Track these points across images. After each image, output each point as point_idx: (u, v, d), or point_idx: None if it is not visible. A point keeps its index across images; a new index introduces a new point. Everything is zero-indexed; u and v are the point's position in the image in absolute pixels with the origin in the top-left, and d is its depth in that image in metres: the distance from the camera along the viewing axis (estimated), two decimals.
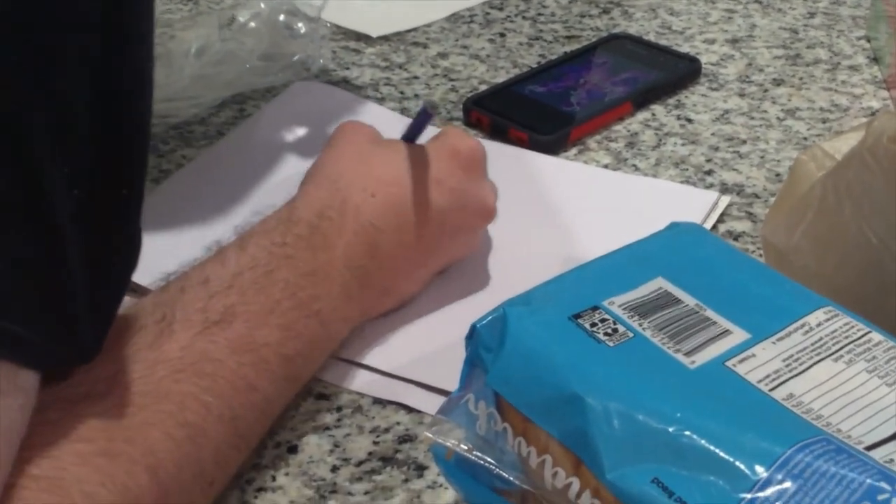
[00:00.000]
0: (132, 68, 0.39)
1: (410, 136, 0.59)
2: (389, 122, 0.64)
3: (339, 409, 0.54)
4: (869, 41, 0.87)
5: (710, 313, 0.43)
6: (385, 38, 0.87)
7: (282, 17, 0.79)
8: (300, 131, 0.75)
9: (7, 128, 0.35)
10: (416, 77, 0.82)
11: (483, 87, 0.80)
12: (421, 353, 0.56)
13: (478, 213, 0.59)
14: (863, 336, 0.42)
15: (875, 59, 0.85)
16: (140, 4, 0.39)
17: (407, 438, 0.53)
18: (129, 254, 0.41)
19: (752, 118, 0.78)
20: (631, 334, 0.42)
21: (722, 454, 0.37)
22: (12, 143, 0.35)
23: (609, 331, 0.42)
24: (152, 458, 0.42)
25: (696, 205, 0.67)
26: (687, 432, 0.38)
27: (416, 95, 0.80)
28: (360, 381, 0.56)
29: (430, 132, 0.60)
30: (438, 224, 0.57)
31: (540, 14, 0.92)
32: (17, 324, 0.36)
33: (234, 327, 0.48)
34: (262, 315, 0.50)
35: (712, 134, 0.76)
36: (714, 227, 0.67)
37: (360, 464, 0.52)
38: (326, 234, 0.54)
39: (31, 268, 0.36)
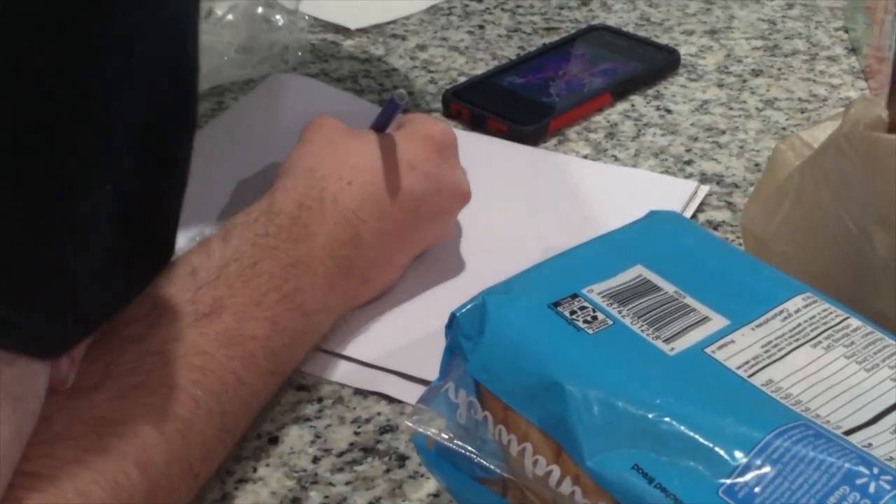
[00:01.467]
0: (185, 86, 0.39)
1: (380, 126, 0.59)
2: (368, 115, 0.64)
3: (319, 400, 0.54)
4: (847, 32, 0.88)
5: (689, 300, 0.43)
6: (364, 31, 0.87)
7: (260, 10, 0.79)
8: (279, 123, 0.75)
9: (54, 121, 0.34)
10: (395, 69, 0.82)
11: (462, 79, 0.80)
12: (401, 344, 0.56)
13: (453, 196, 0.59)
14: (841, 322, 0.42)
15: (853, 50, 0.85)
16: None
17: (388, 429, 0.53)
18: (156, 257, 0.41)
19: (731, 108, 0.78)
20: (610, 322, 0.42)
21: (701, 440, 0.37)
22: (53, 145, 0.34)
23: (588, 318, 0.42)
24: (143, 454, 0.42)
25: (675, 194, 0.67)
26: (666, 418, 0.38)
27: (395, 87, 0.80)
28: (341, 372, 0.55)
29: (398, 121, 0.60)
30: (415, 209, 0.57)
31: (519, 6, 0.92)
32: (23, 312, 0.36)
33: (222, 320, 0.48)
34: (250, 308, 0.50)
35: (691, 124, 0.76)
36: (694, 216, 0.67)
37: (341, 454, 0.51)
38: (307, 224, 0.54)
39: (50, 257, 0.36)
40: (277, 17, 0.79)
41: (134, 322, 0.46)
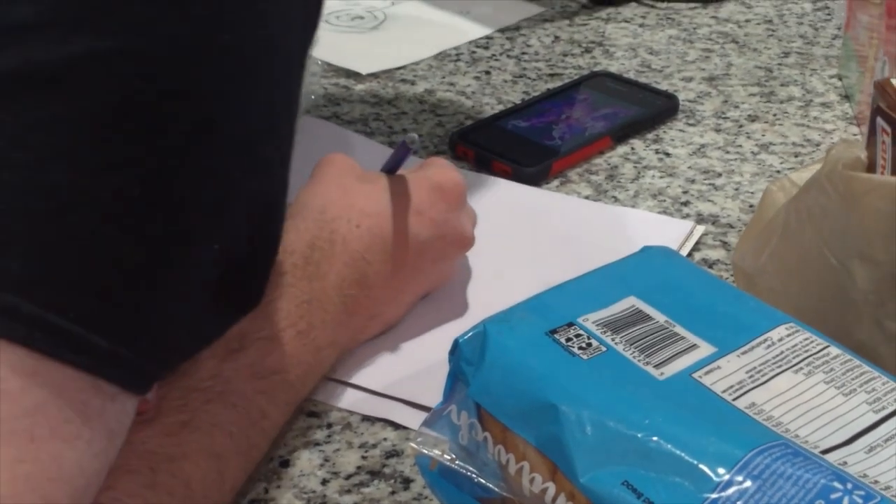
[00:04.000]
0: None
1: (390, 169, 0.62)
2: (378, 155, 0.67)
3: (329, 425, 0.57)
4: (840, 79, 0.91)
5: (678, 329, 0.46)
6: (374, 76, 0.90)
7: None
8: (294, 164, 0.78)
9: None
10: (404, 112, 0.85)
11: (469, 122, 0.83)
12: (406, 373, 0.59)
13: (456, 243, 0.62)
14: (821, 350, 0.45)
15: (846, 97, 0.88)
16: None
17: (394, 453, 0.55)
18: (242, 306, 0.44)
19: (728, 152, 0.81)
20: (604, 348, 0.45)
21: (687, 457, 0.39)
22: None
23: (583, 345, 0.45)
24: (186, 490, 0.45)
25: (672, 234, 0.70)
26: (655, 438, 0.40)
27: (405, 130, 0.83)
28: (349, 400, 0.58)
29: (414, 161, 0.63)
30: (419, 253, 0.59)
31: (524, 53, 0.95)
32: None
33: (249, 354, 0.51)
34: (271, 343, 0.52)
35: (689, 167, 0.79)
36: (690, 255, 0.69)
37: (349, 477, 0.54)
38: (319, 264, 0.56)
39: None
40: None
41: None
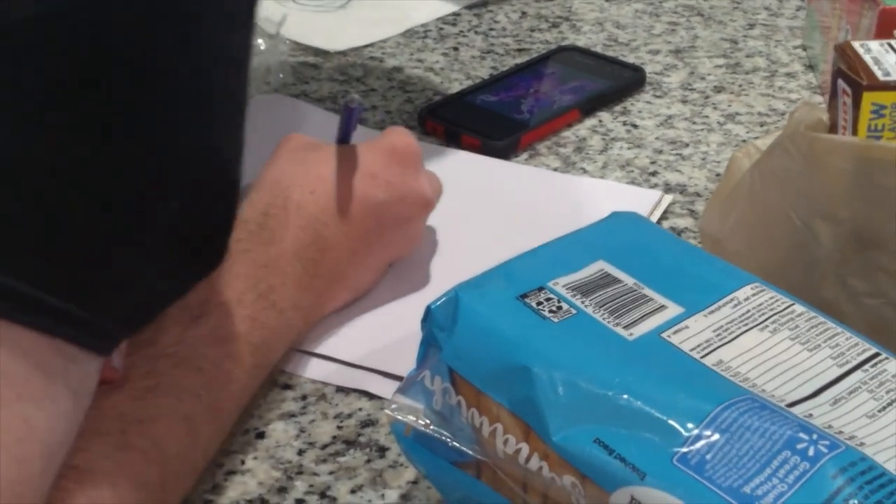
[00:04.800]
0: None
1: (343, 136, 0.63)
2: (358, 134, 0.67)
3: (303, 397, 0.57)
4: (805, 50, 0.92)
5: (647, 291, 0.46)
6: (342, 54, 0.90)
7: None
8: (262, 143, 0.77)
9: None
10: (373, 90, 0.86)
11: (437, 98, 0.84)
12: (380, 343, 0.59)
13: (416, 203, 0.62)
14: (786, 308, 0.45)
15: (810, 67, 0.89)
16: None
17: (368, 423, 0.56)
18: (205, 264, 0.45)
19: (694, 123, 0.82)
20: (574, 311, 0.45)
21: (657, 414, 0.40)
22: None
23: (554, 308, 0.45)
24: (158, 451, 0.46)
25: (640, 203, 0.71)
26: (625, 396, 0.41)
27: (374, 107, 0.83)
28: (323, 371, 0.58)
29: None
30: (378, 214, 0.60)
31: (492, 29, 0.95)
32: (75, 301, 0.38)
33: (210, 320, 0.52)
34: (231, 307, 0.53)
35: (656, 138, 0.80)
36: (658, 223, 0.70)
37: (324, 447, 0.54)
38: (274, 230, 0.57)
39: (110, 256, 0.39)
40: (259, 40, 0.82)
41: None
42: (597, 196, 0.72)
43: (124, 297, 0.40)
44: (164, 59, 0.38)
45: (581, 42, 0.92)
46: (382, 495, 0.52)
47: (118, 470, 0.44)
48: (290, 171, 0.60)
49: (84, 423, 0.43)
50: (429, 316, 0.47)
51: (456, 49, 0.92)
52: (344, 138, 0.63)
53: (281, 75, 0.83)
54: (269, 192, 0.59)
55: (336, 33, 0.92)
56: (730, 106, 0.84)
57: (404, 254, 0.64)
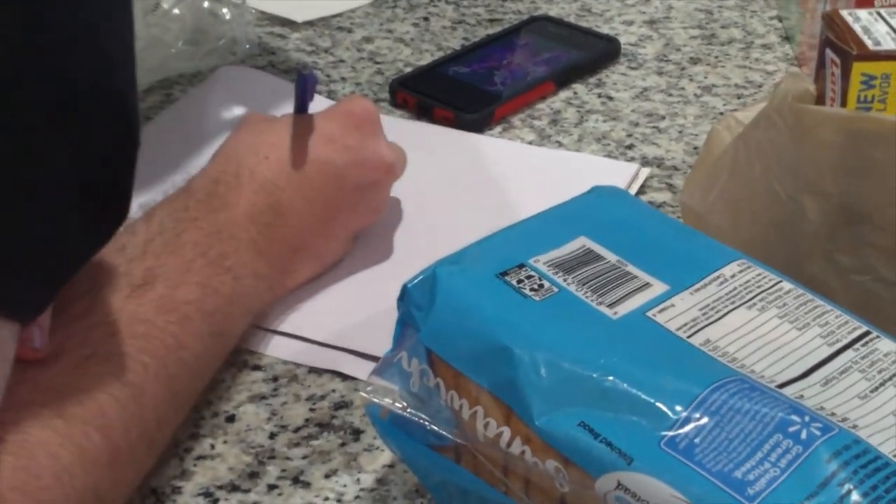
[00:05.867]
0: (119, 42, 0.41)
1: (300, 108, 0.61)
2: (314, 106, 0.65)
3: (275, 378, 0.56)
4: (781, 21, 0.90)
5: (630, 268, 0.45)
6: (310, 24, 0.88)
7: (206, 4, 0.80)
8: (227, 115, 0.76)
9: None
10: (342, 61, 0.84)
11: (408, 70, 0.82)
12: (353, 322, 0.57)
13: (376, 167, 0.60)
14: (774, 285, 0.44)
15: (787, 38, 0.88)
16: None
17: (342, 405, 0.54)
18: (111, 220, 0.43)
19: (671, 95, 0.80)
20: (556, 289, 0.44)
21: (643, 396, 0.39)
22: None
23: (535, 286, 0.44)
24: (102, 419, 0.44)
25: (617, 176, 0.69)
26: (610, 377, 0.40)
27: (343, 79, 0.81)
28: (295, 351, 0.57)
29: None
30: (337, 179, 0.59)
31: None
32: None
33: (156, 289, 0.50)
34: (179, 274, 0.52)
35: (632, 110, 0.78)
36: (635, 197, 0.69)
37: (297, 430, 0.53)
38: (224, 196, 0.56)
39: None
40: (224, 10, 0.80)
41: (76, 300, 0.48)
42: (573, 170, 0.70)
43: (25, 256, 0.38)
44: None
45: (553, 12, 0.91)
46: (358, 480, 0.50)
47: (58, 439, 0.42)
48: (243, 140, 0.59)
49: (16, 397, 0.41)
50: (405, 295, 0.46)
51: (426, 19, 0.90)
52: (301, 108, 0.61)
53: (247, 46, 0.81)
54: (221, 161, 0.58)
55: (303, 3, 0.90)
56: (706, 78, 0.82)
57: (369, 221, 0.62)
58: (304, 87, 0.60)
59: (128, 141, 0.41)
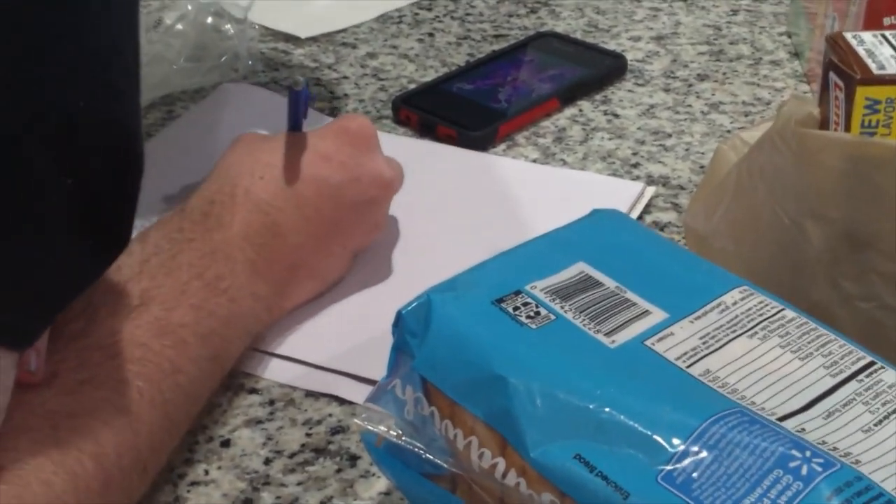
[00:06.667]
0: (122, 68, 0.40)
1: (294, 125, 0.60)
2: (313, 123, 0.65)
3: (271, 402, 0.55)
4: (790, 37, 0.89)
5: (629, 295, 0.44)
6: (313, 39, 0.88)
7: (209, 20, 0.79)
8: (229, 132, 0.75)
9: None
10: (345, 77, 0.83)
11: (412, 86, 0.81)
12: (350, 345, 0.57)
13: (374, 184, 0.60)
14: (777, 313, 0.43)
15: (796, 54, 0.87)
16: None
17: (339, 430, 0.53)
18: (110, 248, 0.42)
19: (677, 112, 0.79)
20: (553, 317, 0.43)
21: (641, 428, 0.38)
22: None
23: (531, 314, 0.43)
24: (96, 446, 0.44)
25: (622, 196, 0.68)
26: (607, 409, 0.39)
27: (346, 95, 0.80)
28: (291, 375, 0.56)
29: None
30: (334, 196, 0.58)
31: (468, 14, 0.93)
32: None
33: (151, 311, 0.50)
34: (175, 297, 0.51)
35: (638, 128, 0.77)
36: (640, 217, 0.68)
37: (292, 455, 0.52)
38: (219, 216, 0.55)
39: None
40: (227, 26, 0.80)
41: (73, 320, 0.47)
42: (578, 189, 0.69)
43: (26, 286, 0.37)
44: (47, 24, 0.36)
45: (560, 28, 0.90)
46: None
47: (51, 466, 0.42)
48: (238, 160, 0.58)
49: (12, 422, 0.41)
50: (400, 321, 0.45)
51: (431, 35, 0.89)
52: (294, 125, 0.60)
53: (250, 62, 0.81)
54: (216, 181, 0.57)
55: (307, 18, 0.90)
56: (713, 95, 0.81)
57: (369, 239, 0.61)
58: (297, 103, 0.60)
59: (130, 172, 0.41)
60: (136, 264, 0.51)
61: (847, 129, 0.46)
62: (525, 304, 0.43)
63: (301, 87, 0.59)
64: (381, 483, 0.50)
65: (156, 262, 0.52)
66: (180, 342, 0.50)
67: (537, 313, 0.43)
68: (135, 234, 0.54)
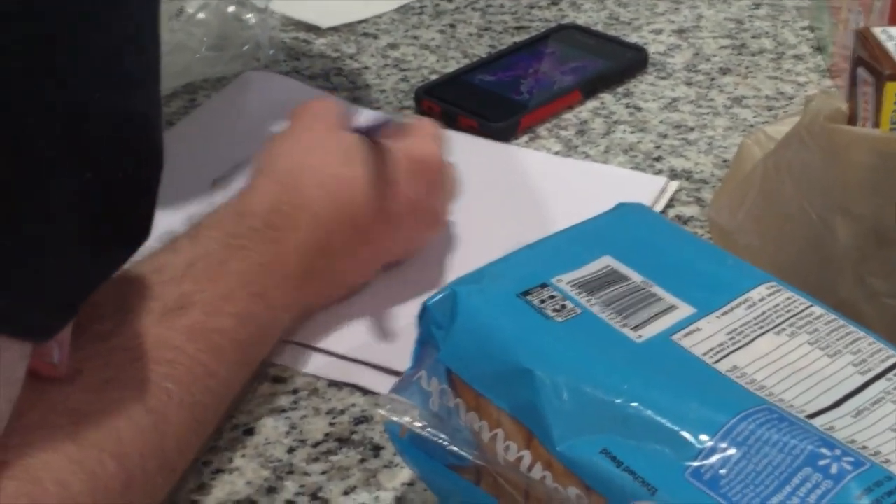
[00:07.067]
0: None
1: (368, 131, 0.59)
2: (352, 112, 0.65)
3: (295, 391, 0.55)
4: (812, 31, 0.89)
5: (656, 289, 0.44)
6: (335, 29, 0.88)
7: (231, 9, 0.79)
8: (251, 120, 0.75)
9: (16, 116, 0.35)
10: (366, 67, 0.83)
11: (434, 77, 0.81)
12: (375, 336, 0.57)
13: (429, 224, 0.60)
14: (805, 310, 0.43)
15: (819, 49, 0.87)
16: None
17: (363, 419, 0.53)
18: (131, 240, 0.42)
19: (700, 106, 0.79)
20: (579, 310, 0.43)
21: (668, 424, 0.38)
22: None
23: (557, 307, 0.43)
24: (118, 446, 0.43)
25: (645, 190, 0.68)
26: (634, 403, 0.39)
27: (368, 85, 0.80)
28: (316, 365, 0.56)
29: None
30: (392, 228, 0.57)
31: (489, 5, 0.93)
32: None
33: (189, 315, 0.49)
34: (217, 303, 0.50)
35: (661, 122, 0.77)
36: (663, 211, 0.68)
37: (316, 445, 0.52)
38: (279, 228, 0.54)
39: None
40: (249, 15, 0.80)
41: (101, 319, 0.46)
42: (600, 182, 0.69)
43: (40, 277, 0.37)
44: (61, 14, 0.35)
45: (581, 20, 0.90)
46: (377, 497, 0.49)
47: (69, 466, 0.41)
48: (307, 161, 0.56)
49: (28, 419, 0.40)
50: (425, 313, 0.45)
51: (453, 26, 0.89)
52: (369, 133, 0.59)
53: (271, 51, 0.81)
54: (280, 184, 0.55)
55: (328, 8, 0.89)
56: (736, 88, 0.81)
57: (403, 260, 0.61)
58: (387, 124, 0.59)
59: (148, 163, 0.40)
60: (181, 265, 0.50)
61: (876, 124, 0.46)
62: (551, 297, 0.43)
63: (398, 121, 0.59)
64: (404, 473, 0.50)
65: (202, 266, 0.51)
66: (217, 348, 0.49)
67: (563, 306, 0.43)
68: (185, 225, 0.54)
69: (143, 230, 0.41)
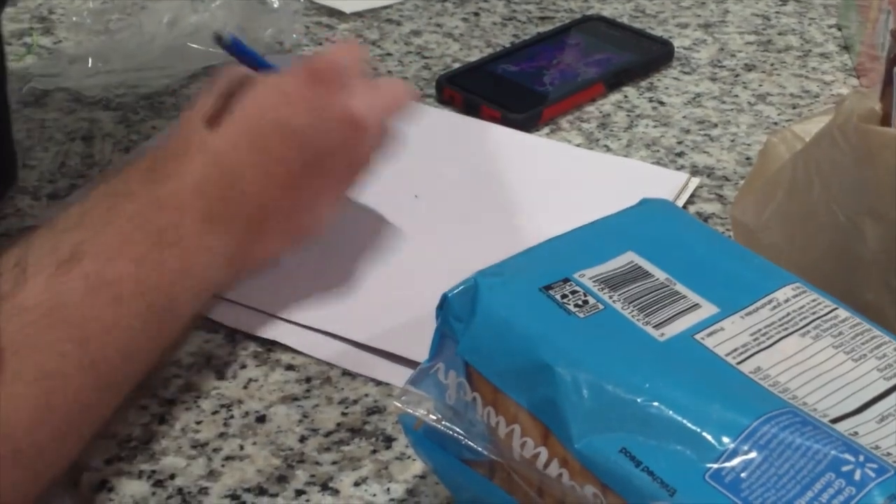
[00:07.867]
0: None
1: (258, 64, 0.57)
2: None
3: (307, 379, 0.54)
4: (840, 29, 0.88)
5: (679, 287, 0.43)
6: (358, 15, 0.87)
7: None
8: None
9: None
10: (389, 54, 0.82)
11: (456, 66, 0.80)
12: (392, 325, 0.56)
13: (343, 126, 0.55)
14: (829, 312, 0.42)
15: (846, 48, 0.86)
16: None
17: (375, 410, 0.53)
18: None
19: (724, 102, 0.78)
20: (601, 306, 0.42)
21: (689, 424, 0.37)
22: None
23: (579, 302, 0.42)
24: (4, 416, 0.42)
25: (666, 185, 0.68)
26: (655, 403, 0.38)
27: (389, 72, 0.80)
28: (329, 352, 0.55)
29: None
30: (298, 143, 0.54)
31: None
32: None
33: (83, 265, 0.47)
34: (113, 249, 0.48)
35: (684, 117, 0.76)
36: (684, 207, 0.67)
37: (328, 434, 0.52)
38: (168, 167, 0.52)
39: None
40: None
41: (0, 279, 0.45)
42: (622, 176, 0.69)
43: None
44: None
45: (607, 12, 0.89)
46: (388, 489, 0.49)
47: None
48: (194, 113, 0.54)
49: None
50: (445, 304, 0.44)
51: (476, 14, 0.88)
52: (260, 65, 0.56)
53: (294, 36, 0.80)
54: (173, 133, 0.54)
55: None
56: (761, 85, 0.80)
57: (345, 187, 0.57)
58: (238, 52, 0.56)
59: None
60: (74, 216, 0.49)
61: None
62: (573, 293, 0.43)
63: (229, 39, 0.56)
64: (416, 466, 0.50)
65: (96, 213, 0.49)
66: (116, 298, 0.47)
67: (585, 302, 0.42)
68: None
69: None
